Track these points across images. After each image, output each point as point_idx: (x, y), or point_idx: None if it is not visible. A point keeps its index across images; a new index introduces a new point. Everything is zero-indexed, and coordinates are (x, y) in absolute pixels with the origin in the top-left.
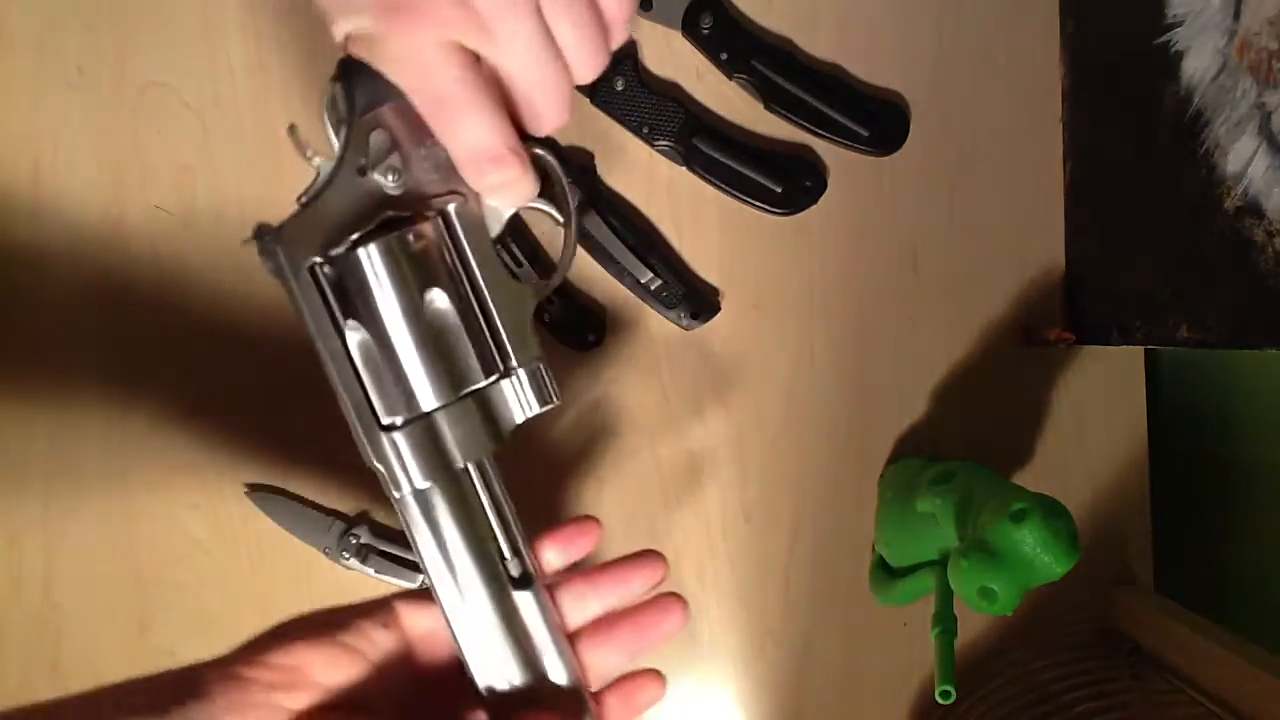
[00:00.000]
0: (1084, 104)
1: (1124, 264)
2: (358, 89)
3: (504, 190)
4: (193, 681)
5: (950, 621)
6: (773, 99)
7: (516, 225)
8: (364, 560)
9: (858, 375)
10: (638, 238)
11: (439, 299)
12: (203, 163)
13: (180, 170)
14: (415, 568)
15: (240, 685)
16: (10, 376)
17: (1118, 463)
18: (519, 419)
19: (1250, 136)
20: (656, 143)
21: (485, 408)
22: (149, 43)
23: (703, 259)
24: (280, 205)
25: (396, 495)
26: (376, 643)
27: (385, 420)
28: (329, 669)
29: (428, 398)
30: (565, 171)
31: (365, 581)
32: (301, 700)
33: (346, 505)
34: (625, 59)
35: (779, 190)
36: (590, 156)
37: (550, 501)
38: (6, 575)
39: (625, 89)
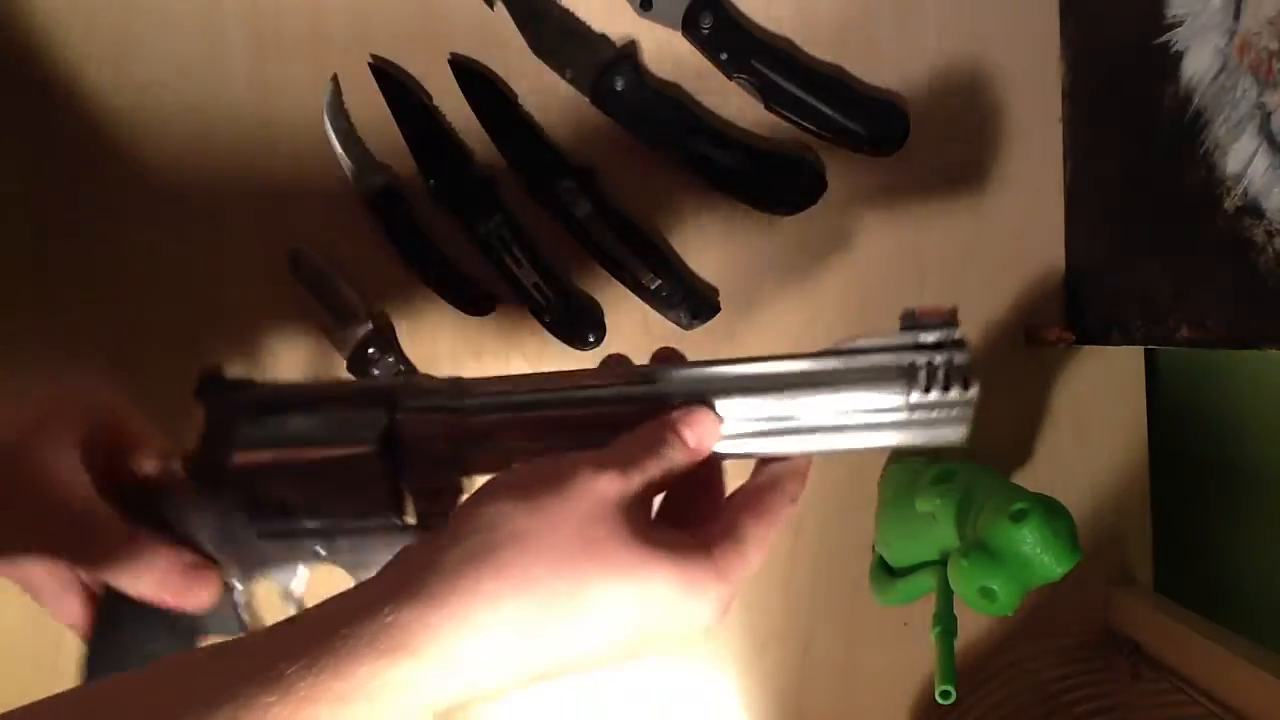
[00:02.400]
0: (1084, 104)
1: (1124, 264)
2: None
3: None
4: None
5: (950, 621)
6: (773, 99)
7: None
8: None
9: None
10: (638, 238)
11: None
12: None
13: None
14: None
15: None
16: (8, 378)
17: (1118, 463)
18: None
19: (1250, 136)
20: (657, 142)
21: None
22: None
23: (703, 259)
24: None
25: None
26: None
27: None
28: None
29: None
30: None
31: None
32: None
33: None
34: (625, 59)
35: (779, 190)
36: (591, 156)
37: None
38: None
39: (625, 89)
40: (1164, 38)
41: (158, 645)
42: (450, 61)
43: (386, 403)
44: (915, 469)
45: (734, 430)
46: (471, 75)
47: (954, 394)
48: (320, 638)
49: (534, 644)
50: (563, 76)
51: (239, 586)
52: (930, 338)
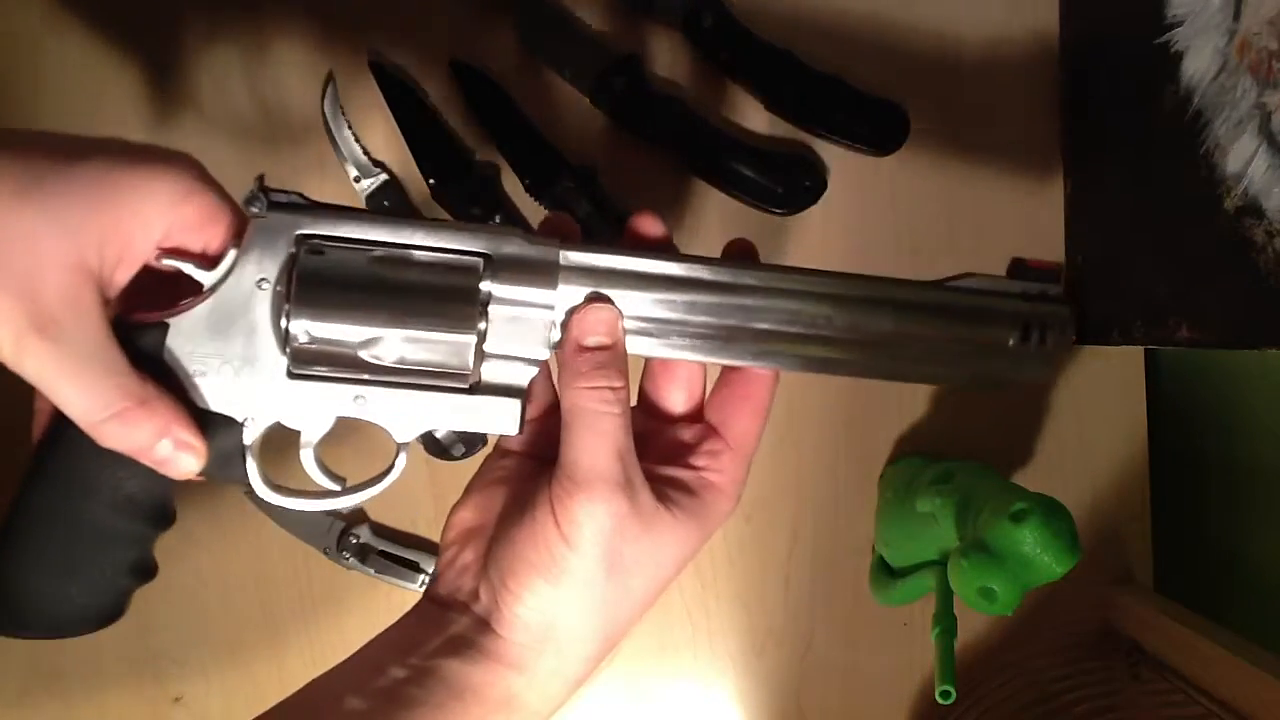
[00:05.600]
0: (1084, 104)
1: (1124, 264)
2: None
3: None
4: None
5: (950, 621)
6: (773, 99)
7: None
8: (364, 560)
9: None
10: None
11: None
12: None
13: None
14: (415, 567)
15: None
16: (10, 377)
17: (1118, 463)
18: None
19: (1250, 136)
20: (656, 143)
21: None
22: None
23: None
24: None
25: None
26: None
27: None
28: None
29: None
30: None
31: (365, 581)
32: None
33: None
34: (626, 59)
35: (779, 190)
36: (591, 156)
37: None
38: None
39: (626, 89)
40: (1164, 38)
41: (133, 475)
42: (450, 63)
43: (481, 269)
44: (915, 469)
45: (844, 336)
46: (471, 75)
47: (1049, 345)
48: (458, 703)
49: (604, 653)
50: (562, 76)
51: (252, 427)
52: (1035, 289)
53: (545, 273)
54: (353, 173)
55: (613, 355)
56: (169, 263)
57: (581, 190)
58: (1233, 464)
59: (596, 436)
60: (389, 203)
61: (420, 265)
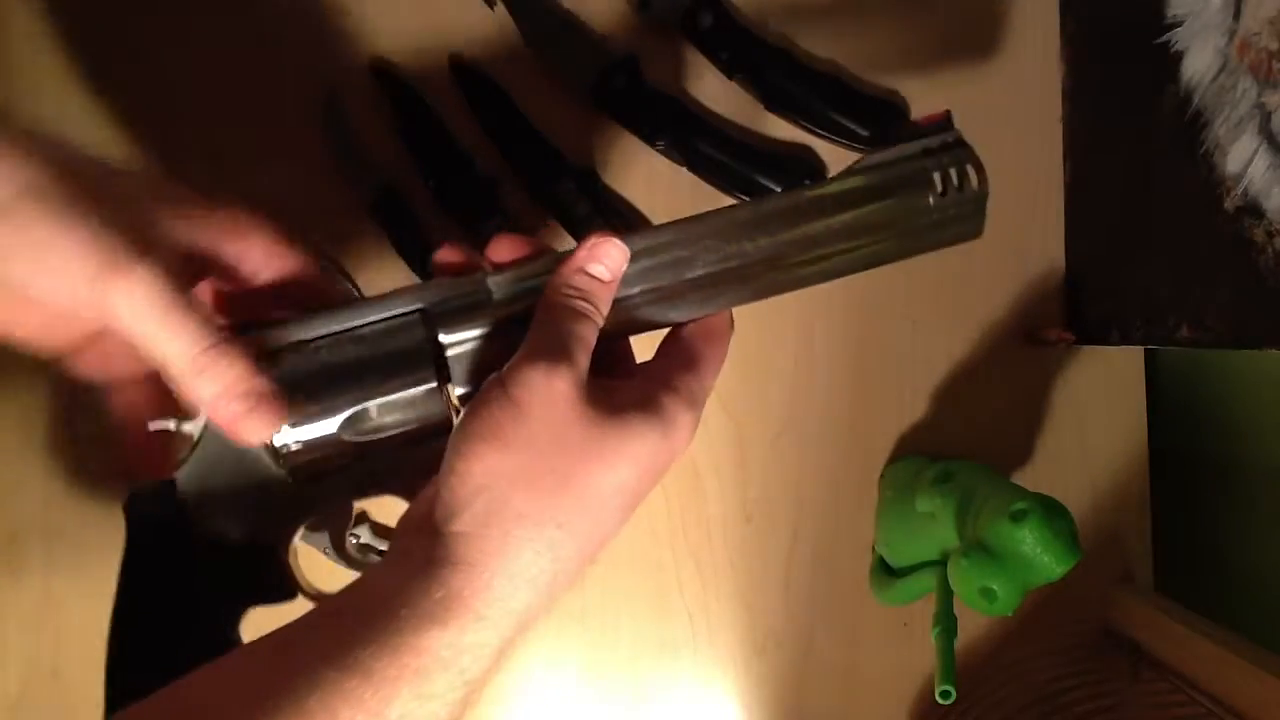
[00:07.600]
0: (1084, 104)
1: (1124, 264)
2: None
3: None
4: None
5: (950, 621)
6: (773, 99)
7: None
8: (364, 560)
9: (858, 375)
10: None
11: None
12: None
13: None
14: None
15: None
16: (13, 377)
17: (1118, 463)
18: None
19: (1250, 136)
20: (656, 143)
21: None
22: None
23: None
24: None
25: None
26: None
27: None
28: None
29: None
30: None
31: None
32: None
33: None
34: (626, 59)
35: (779, 190)
36: (590, 156)
37: None
38: (5, 577)
39: (625, 88)
40: (1164, 38)
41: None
42: (450, 63)
43: (424, 325)
44: (915, 469)
45: (775, 254)
46: (471, 76)
47: (969, 191)
48: (382, 620)
49: (564, 552)
50: (563, 77)
51: (284, 545)
52: (934, 143)
53: (480, 305)
54: (353, 175)
55: (606, 290)
56: (155, 426)
57: (581, 190)
58: (1232, 464)
59: (571, 325)
60: (389, 205)
61: (365, 339)
